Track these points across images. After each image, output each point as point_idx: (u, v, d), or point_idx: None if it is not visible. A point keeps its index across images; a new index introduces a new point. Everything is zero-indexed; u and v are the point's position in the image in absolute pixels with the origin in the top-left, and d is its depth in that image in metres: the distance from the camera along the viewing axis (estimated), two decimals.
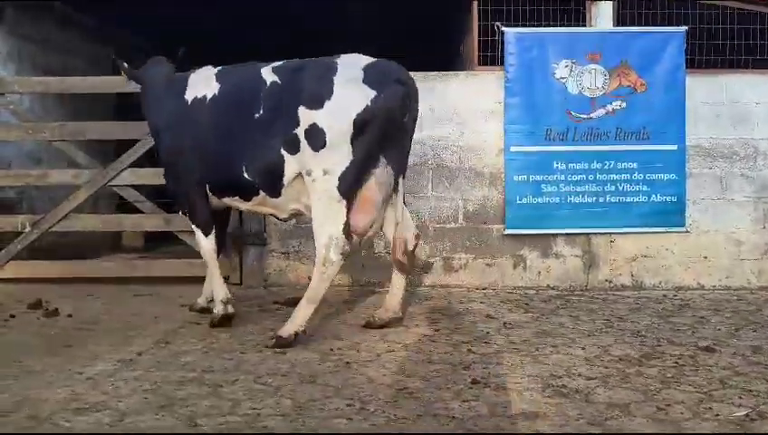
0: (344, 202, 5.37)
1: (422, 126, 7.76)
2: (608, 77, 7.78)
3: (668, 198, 7.88)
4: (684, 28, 7.84)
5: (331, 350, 5.26)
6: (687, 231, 7.95)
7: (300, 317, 5.45)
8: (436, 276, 8.01)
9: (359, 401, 4.11)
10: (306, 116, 5.35)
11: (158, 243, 10.87)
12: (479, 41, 8.04)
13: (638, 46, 7.79)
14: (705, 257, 8.00)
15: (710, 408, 4.01)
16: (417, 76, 7.66)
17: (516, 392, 4.28)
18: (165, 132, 6.09)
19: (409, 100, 5.58)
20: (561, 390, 4.32)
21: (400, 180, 5.80)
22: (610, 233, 7.97)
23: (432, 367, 4.83)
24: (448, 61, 10.56)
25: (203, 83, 5.95)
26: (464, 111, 7.94)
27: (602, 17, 7.98)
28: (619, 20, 8.05)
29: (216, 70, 6.01)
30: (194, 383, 4.44)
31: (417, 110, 5.78)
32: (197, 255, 7.91)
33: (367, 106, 5.29)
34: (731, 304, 7.13)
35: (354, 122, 5.28)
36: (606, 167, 7.85)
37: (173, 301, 7.11)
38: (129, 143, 8.13)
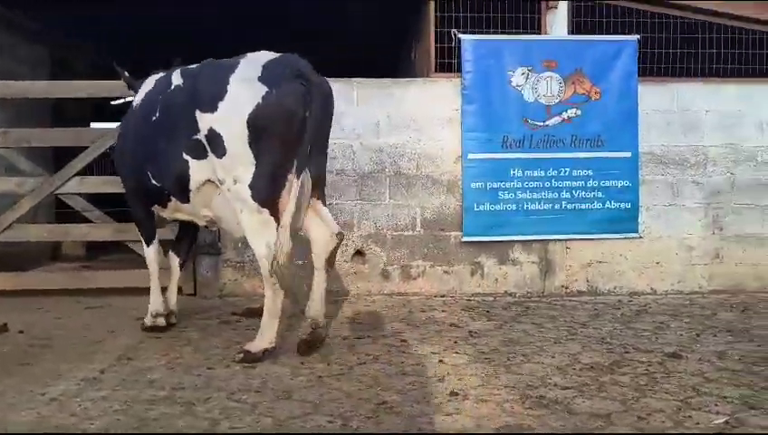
0: (266, 211, 5.09)
1: (379, 133, 7.76)
2: (563, 85, 7.85)
3: (622, 205, 7.99)
4: (636, 37, 7.96)
5: (302, 363, 5.14)
6: (641, 237, 8.07)
7: (267, 333, 5.27)
8: (395, 285, 7.95)
9: (339, 417, 4.02)
10: (203, 120, 5.10)
11: (99, 252, 10.60)
12: (436, 48, 8.01)
13: (593, 54, 7.88)
14: (658, 263, 8.12)
15: (689, 416, 4.04)
16: (373, 83, 7.75)
17: (496, 404, 4.24)
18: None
19: (310, 96, 5.02)
20: (540, 401, 4.30)
21: (321, 181, 5.52)
22: (566, 239, 8.04)
23: (406, 379, 4.76)
24: (398, 67, 10.54)
25: (141, 90, 5.87)
26: (421, 118, 7.91)
27: (557, 25, 8.06)
28: (574, 28, 8.13)
29: (156, 75, 5.88)
30: (166, 402, 4.28)
31: (325, 108, 5.27)
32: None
33: (258, 104, 4.91)
34: (686, 309, 7.24)
35: (247, 124, 4.92)
36: (562, 174, 7.91)
37: (127, 313, 6.90)
38: (69, 149, 7.89)
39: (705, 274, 8.19)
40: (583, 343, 5.80)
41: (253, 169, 5.01)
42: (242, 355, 5.19)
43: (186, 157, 5.30)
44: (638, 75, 7.98)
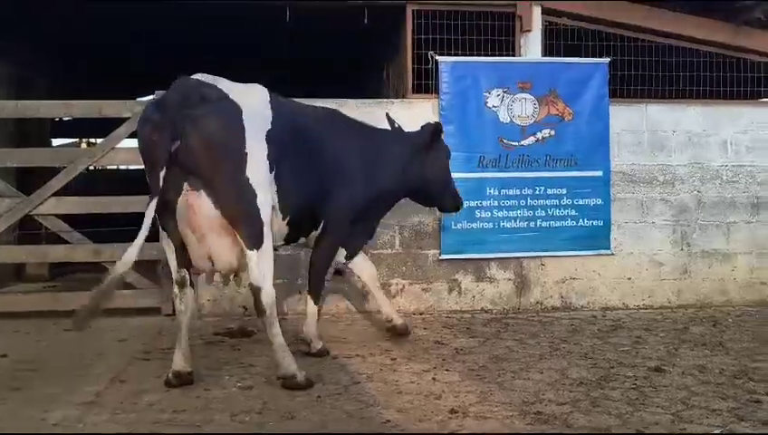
0: (163, 234, 5.24)
1: None
2: (537, 106, 8.04)
3: (595, 223, 8.20)
4: (607, 60, 8.19)
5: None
6: (613, 254, 8.28)
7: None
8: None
9: None
10: None
11: (63, 271, 10.48)
12: (413, 69, 8.14)
13: (566, 76, 8.09)
14: (629, 278, 8.34)
15: (685, 429, 4.20)
16: (352, 103, 7.83)
17: (498, 421, 4.35)
18: None
19: (161, 126, 4.79)
20: (539, 417, 4.43)
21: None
22: (541, 256, 8.21)
23: (404, 398, 4.85)
24: (372, 88, 10.66)
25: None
26: None
27: (531, 48, 8.25)
28: (547, 51, 8.33)
29: None
30: (171, 425, 4.31)
31: (198, 136, 4.82)
32: (126, 286, 7.74)
33: (136, 131, 5.16)
34: (659, 324, 7.45)
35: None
36: (536, 192, 8.09)
37: (108, 334, 6.84)
38: (31, 168, 7.83)
39: (673, 289, 8.42)
40: (568, 358, 5.94)
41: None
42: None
43: None
44: (610, 97, 8.21)
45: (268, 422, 4.35)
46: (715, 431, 4.13)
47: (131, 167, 12.31)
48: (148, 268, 7.81)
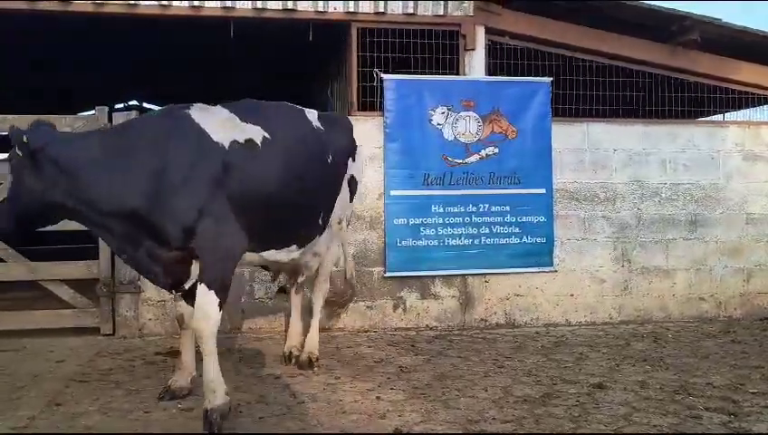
0: None
1: None
2: (481, 124, 8.09)
3: (538, 239, 8.27)
4: (549, 79, 8.30)
5: (239, 404, 5.11)
6: (555, 270, 8.36)
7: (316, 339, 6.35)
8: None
9: None
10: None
11: None
12: (358, 86, 8.14)
13: (509, 95, 8.17)
14: (572, 295, 8.43)
15: None
16: None
17: None
18: None
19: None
20: None
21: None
22: (485, 274, 8.24)
23: (349, 417, 4.82)
24: (318, 104, 10.62)
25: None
26: None
27: (475, 67, 8.31)
28: (491, 70, 8.41)
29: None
30: None
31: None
32: (63, 305, 7.58)
33: None
34: (601, 340, 7.54)
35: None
36: (481, 210, 8.13)
37: (45, 355, 6.69)
38: None
39: (615, 305, 8.54)
40: (511, 375, 5.97)
41: None
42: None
43: None
44: (552, 115, 8.31)
45: None
46: None
47: None
48: (87, 287, 7.65)
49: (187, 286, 5.09)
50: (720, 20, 8.45)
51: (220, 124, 5.07)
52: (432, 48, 8.29)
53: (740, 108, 9.60)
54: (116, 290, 7.60)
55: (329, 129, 6.02)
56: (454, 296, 8.21)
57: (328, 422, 4.70)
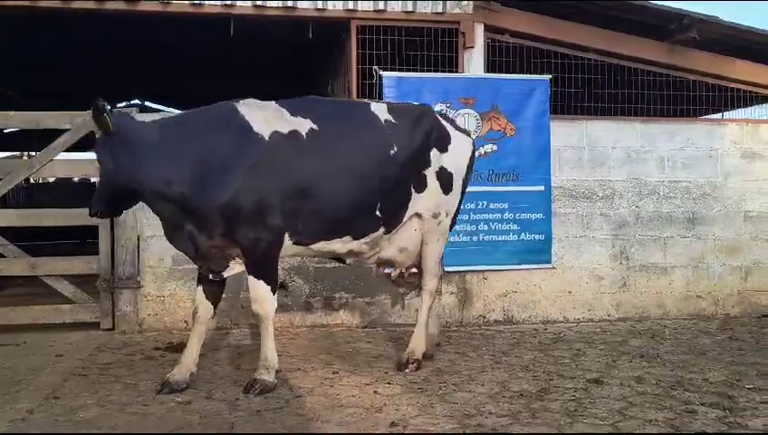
0: None
1: None
2: (480, 121, 8.12)
3: (536, 237, 8.30)
4: (548, 77, 8.32)
5: (237, 399, 5.15)
6: (554, 267, 8.39)
7: (421, 339, 6.14)
8: (317, 316, 8.01)
9: None
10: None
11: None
12: (358, 84, 8.17)
13: (508, 92, 8.19)
14: (570, 292, 8.46)
15: None
16: None
17: (438, 434, 4.37)
18: None
19: None
20: (479, 429, 4.46)
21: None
22: (483, 270, 8.27)
23: (345, 411, 4.84)
24: None
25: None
26: None
27: (474, 64, 8.34)
28: (489, 67, 8.43)
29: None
30: None
31: None
32: (64, 300, 7.61)
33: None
34: (599, 336, 7.56)
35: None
36: (479, 207, 8.16)
37: (44, 350, 6.72)
38: None
39: (613, 302, 8.57)
40: (509, 371, 6.00)
41: None
42: (414, 364, 5.96)
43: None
44: (551, 113, 8.34)
45: None
46: None
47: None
48: (87, 282, 7.70)
49: (225, 275, 5.52)
50: (718, 18, 8.48)
51: (264, 117, 5.37)
52: (431, 46, 8.32)
53: (739, 106, 9.63)
54: (115, 286, 7.64)
55: (401, 121, 5.90)
56: (452, 293, 8.24)
57: (325, 415, 4.73)
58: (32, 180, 18.75)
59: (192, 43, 10.09)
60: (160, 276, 7.80)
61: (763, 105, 9.76)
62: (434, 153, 6.03)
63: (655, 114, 9.10)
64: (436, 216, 6.09)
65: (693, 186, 8.80)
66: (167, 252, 7.78)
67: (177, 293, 7.82)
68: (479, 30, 8.35)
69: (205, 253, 5.34)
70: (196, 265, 5.62)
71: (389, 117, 5.88)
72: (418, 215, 6.05)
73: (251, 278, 5.32)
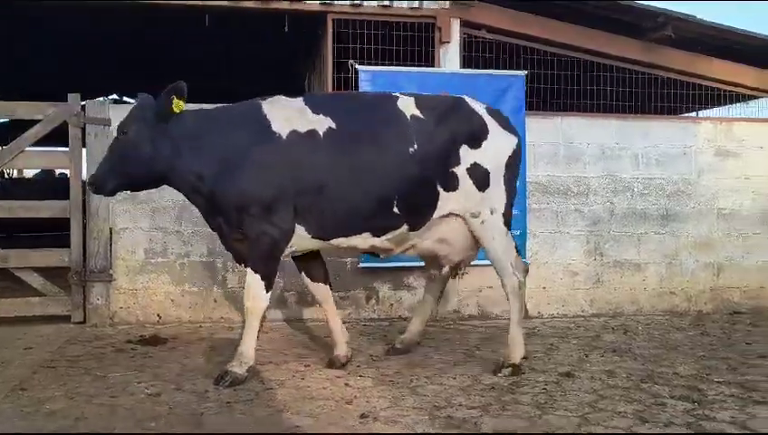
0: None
1: None
2: None
3: (511, 232, 8.27)
4: (524, 72, 8.33)
5: (207, 391, 5.13)
6: (528, 263, 8.37)
7: (520, 344, 5.86)
8: (291, 311, 7.99)
9: None
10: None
11: None
12: (334, 77, 8.15)
13: (484, 88, 8.14)
14: (545, 288, 8.49)
15: (590, 431, 4.28)
16: None
17: (407, 426, 4.36)
18: None
19: None
20: (449, 421, 4.46)
21: None
22: None
23: (316, 403, 4.83)
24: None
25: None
26: None
27: (450, 59, 8.35)
28: (465, 63, 8.44)
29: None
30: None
31: None
32: (34, 293, 7.54)
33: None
34: (572, 332, 7.59)
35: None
36: None
37: (14, 343, 6.66)
38: None
39: (587, 298, 8.60)
40: (481, 364, 6.01)
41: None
42: (509, 369, 5.67)
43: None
44: (526, 109, 8.33)
45: (173, 430, 4.26)
46: (618, 433, 4.22)
47: None
48: (58, 275, 7.63)
49: None
50: (693, 17, 8.53)
51: (285, 116, 5.50)
52: (407, 40, 8.32)
53: (715, 105, 9.72)
54: (87, 278, 7.57)
55: (428, 117, 5.75)
56: None
57: (295, 407, 4.71)
58: (6, 175, 18.61)
59: (164, 36, 10.02)
60: (133, 269, 7.75)
61: (739, 104, 9.84)
62: (464, 150, 5.76)
63: (632, 111, 9.14)
64: (475, 215, 5.82)
65: (667, 183, 8.84)
66: (139, 245, 7.75)
67: (150, 286, 7.77)
68: (455, 25, 8.35)
69: (230, 244, 5.65)
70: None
71: (416, 112, 5.74)
72: (456, 214, 5.85)
73: (249, 271, 5.42)
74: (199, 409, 4.69)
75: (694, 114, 9.98)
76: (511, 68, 8.45)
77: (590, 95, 8.74)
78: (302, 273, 6.07)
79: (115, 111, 7.68)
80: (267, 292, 5.43)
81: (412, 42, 8.33)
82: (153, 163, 5.42)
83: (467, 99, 6.09)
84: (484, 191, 5.80)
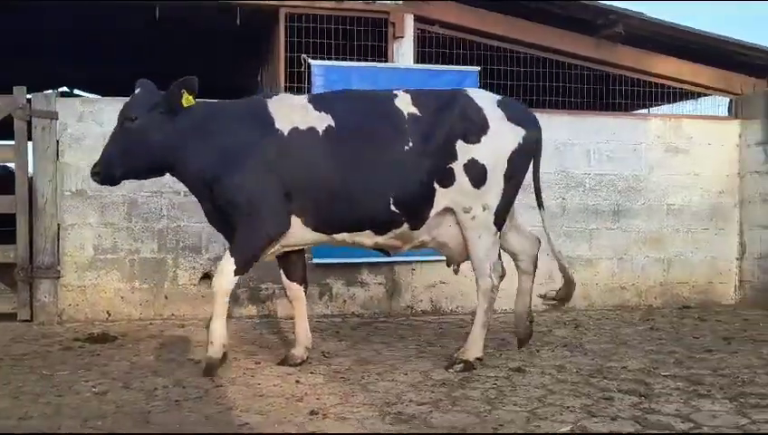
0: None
1: None
2: None
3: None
4: (477, 68, 8.36)
5: (155, 388, 5.05)
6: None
7: (479, 343, 5.84)
8: (244, 308, 7.95)
9: None
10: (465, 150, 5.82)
11: None
12: (286, 72, 8.09)
13: (437, 83, 8.14)
14: None
15: (538, 426, 4.29)
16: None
17: (357, 421, 4.34)
18: None
19: None
20: (398, 417, 4.44)
21: None
22: (412, 262, 8.28)
23: (266, 400, 4.78)
24: (245, 89, 10.52)
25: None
26: None
27: (404, 54, 8.34)
28: (419, 58, 8.44)
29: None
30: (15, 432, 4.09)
31: None
32: None
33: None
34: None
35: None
36: None
37: None
38: None
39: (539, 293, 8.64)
40: (433, 360, 6.01)
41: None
42: (461, 365, 5.66)
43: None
44: None
45: (119, 428, 4.19)
46: (565, 428, 4.24)
47: None
48: (3, 272, 7.47)
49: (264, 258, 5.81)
50: (643, 14, 8.64)
51: (288, 113, 5.61)
52: (361, 35, 8.29)
53: (667, 102, 9.86)
54: (34, 275, 7.43)
55: (424, 113, 5.68)
56: (380, 284, 8.24)
57: (244, 405, 4.66)
58: None
59: (118, 27, 9.86)
60: (81, 266, 7.63)
61: (689, 101, 10.00)
62: (461, 145, 5.64)
63: (586, 108, 9.22)
64: (467, 210, 5.70)
65: (618, 179, 8.95)
66: (88, 241, 7.62)
67: (99, 283, 7.66)
68: (409, 20, 8.35)
69: (231, 234, 5.67)
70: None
71: (413, 109, 5.70)
72: (450, 209, 5.77)
73: (226, 253, 5.51)
74: (147, 407, 4.61)
75: (645, 111, 10.10)
76: (465, 64, 8.47)
77: (543, 91, 8.79)
78: (281, 270, 6.08)
79: (62, 105, 7.57)
80: (234, 276, 5.49)
81: (366, 36, 8.30)
82: (162, 153, 5.51)
83: (470, 91, 6.01)
84: (479, 188, 5.69)
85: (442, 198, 5.70)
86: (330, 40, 8.19)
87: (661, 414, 4.52)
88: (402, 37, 8.33)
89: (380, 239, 5.82)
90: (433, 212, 5.74)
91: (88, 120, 7.63)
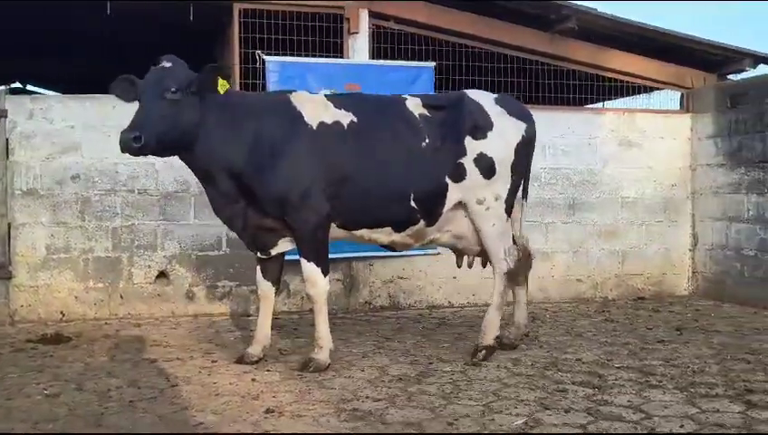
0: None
1: None
2: None
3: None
4: (433, 64, 8.38)
5: (109, 389, 5.00)
6: (439, 253, 8.43)
7: (494, 328, 6.09)
8: (200, 306, 7.88)
9: None
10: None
11: None
12: (241, 68, 8.03)
13: (394, 78, 8.18)
14: (455, 277, 8.53)
15: (493, 419, 4.33)
16: None
17: (312, 419, 4.34)
18: None
19: None
20: (354, 413, 4.45)
21: None
22: (369, 257, 8.28)
23: (221, 399, 4.76)
24: None
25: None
26: None
27: (359, 50, 8.33)
28: (375, 53, 8.43)
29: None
30: None
31: None
32: None
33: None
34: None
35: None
36: None
37: None
38: None
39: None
40: (390, 356, 6.03)
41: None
42: (483, 352, 5.91)
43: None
44: None
45: (70, 430, 4.14)
46: (519, 421, 4.29)
47: None
48: None
49: (273, 252, 5.90)
50: (595, 10, 8.73)
51: (313, 107, 5.75)
52: (316, 31, 8.26)
53: (620, 96, 9.97)
54: None
55: (434, 113, 6.01)
56: (338, 280, 8.23)
57: (199, 404, 4.64)
58: None
59: (71, 24, 9.70)
60: (33, 266, 7.50)
61: (642, 95, 10.14)
62: (468, 141, 5.96)
63: (541, 103, 9.28)
64: (480, 202, 6.01)
65: (573, 173, 9.04)
66: (40, 241, 7.50)
67: (53, 283, 7.55)
68: (364, 16, 8.34)
69: (253, 230, 5.76)
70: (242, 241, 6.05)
71: (424, 111, 6.01)
72: (462, 203, 6.04)
73: (302, 260, 5.69)
74: (100, 409, 4.56)
75: (600, 105, 10.21)
76: (421, 59, 8.49)
77: (498, 87, 8.83)
78: (258, 267, 6.03)
79: (11, 103, 7.45)
80: (325, 276, 5.70)
81: (321, 32, 8.27)
82: (190, 131, 5.36)
83: (470, 92, 6.30)
84: (490, 179, 6.02)
85: (454, 193, 5.98)
86: (285, 36, 8.13)
87: (614, 405, 4.60)
88: (357, 33, 8.31)
89: (397, 237, 6.05)
90: (446, 208, 6.00)
91: (38, 118, 7.50)
